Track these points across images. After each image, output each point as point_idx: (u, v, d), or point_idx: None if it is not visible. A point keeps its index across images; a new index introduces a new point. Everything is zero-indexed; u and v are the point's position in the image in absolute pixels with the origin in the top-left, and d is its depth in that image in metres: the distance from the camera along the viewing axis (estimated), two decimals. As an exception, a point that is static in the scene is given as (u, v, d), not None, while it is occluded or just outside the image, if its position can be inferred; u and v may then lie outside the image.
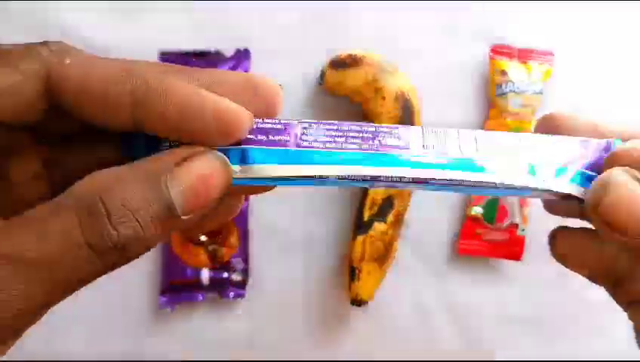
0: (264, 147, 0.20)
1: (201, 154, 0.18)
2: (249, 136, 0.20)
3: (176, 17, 0.47)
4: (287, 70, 0.48)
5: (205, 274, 0.47)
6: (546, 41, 0.48)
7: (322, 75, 0.46)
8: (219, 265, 0.47)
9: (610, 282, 0.22)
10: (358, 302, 0.46)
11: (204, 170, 0.17)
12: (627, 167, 0.19)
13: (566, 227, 0.23)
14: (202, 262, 0.47)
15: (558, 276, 0.49)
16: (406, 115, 0.45)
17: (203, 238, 0.47)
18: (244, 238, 0.47)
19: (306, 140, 0.20)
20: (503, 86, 0.47)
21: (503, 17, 0.49)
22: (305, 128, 0.21)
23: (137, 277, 0.48)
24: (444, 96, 0.48)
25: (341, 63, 0.45)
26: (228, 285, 0.47)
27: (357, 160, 0.21)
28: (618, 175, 0.19)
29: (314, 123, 0.21)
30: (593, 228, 0.20)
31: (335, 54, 0.46)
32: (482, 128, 0.49)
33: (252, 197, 0.48)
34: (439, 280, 0.49)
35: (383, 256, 0.45)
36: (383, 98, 0.44)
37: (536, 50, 0.48)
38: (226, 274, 0.47)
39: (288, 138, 0.20)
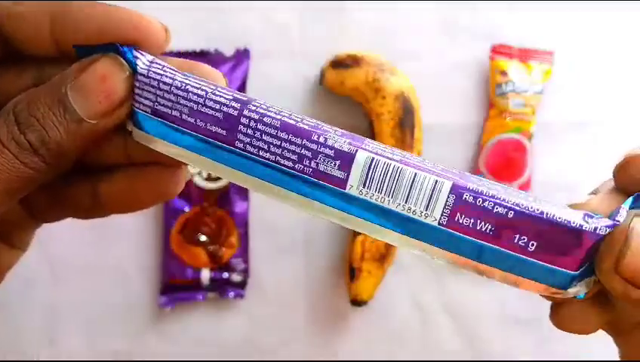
0: (176, 125, 0.19)
1: (97, 60, 0.19)
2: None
3: (176, 17, 0.47)
4: (287, 70, 0.48)
5: (205, 274, 0.47)
6: (546, 41, 0.48)
7: (322, 75, 0.46)
8: (219, 265, 0.47)
9: (613, 333, 0.21)
10: (358, 302, 0.46)
11: (98, 72, 0.19)
12: None
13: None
14: (202, 262, 0.47)
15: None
16: (406, 115, 0.45)
17: (203, 238, 0.47)
18: (244, 238, 0.47)
19: (242, 141, 0.18)
20: (503, 86, 0.47)
21: (503, 17, 0.49)
22: (245, 125, 0.18)
23: (137, 276, 0.48)
24: (444, 96, 0.48)
25: (341, 63, 0.45)
26: (228, 285, 0.47)
27: (279, 180, 0.18)
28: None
29: (259, 117, 0.18)
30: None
31: (335, 54, 0.46)
32: (482, 128, 0.49)
33: (252, 197, 0.48)
34: (439, 280, 0.49)
35: (383, 256, 0.45)
36: (383, 98, 0.44)
37: (536, 50, 0.48)
38: (226, 274, 0.47)
39: (224, 132, 0.19)
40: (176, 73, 0.19)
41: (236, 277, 0.47)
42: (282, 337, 0.49)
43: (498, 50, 0.48)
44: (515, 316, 0.49)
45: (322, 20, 0.48)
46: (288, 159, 0.18)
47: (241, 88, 0.47)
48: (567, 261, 0.17)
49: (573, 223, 0.17)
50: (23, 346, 0.47)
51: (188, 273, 0.47)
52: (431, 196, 0.17)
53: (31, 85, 0.20)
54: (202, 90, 0.19)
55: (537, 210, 0.17)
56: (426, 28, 0.49)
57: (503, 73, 0.47)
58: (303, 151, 0.18)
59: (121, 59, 0.19)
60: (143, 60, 0.19)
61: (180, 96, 0.19)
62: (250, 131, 0.18)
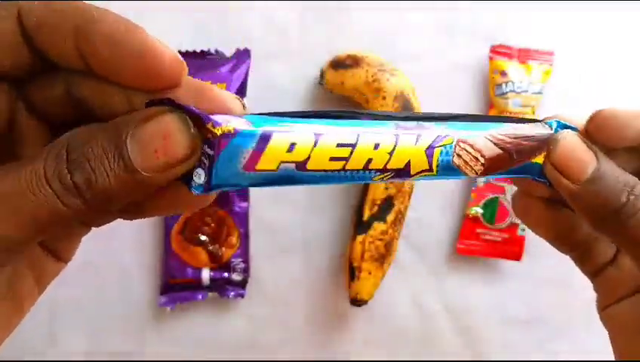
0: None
1: (164, 113, 0.18)
2: None
3: (176, 17, 0.47)
4: (287, 70, 0.48)
5: (205, 274, 0.47)
6: (546, 41, 0.48)
7: (322, 75, 0.46)
8: (219, 264, 0.47)
9: (575, 253, 0.26)
10: (358, 302, 0.46)
11: (162, 126, 0.18)
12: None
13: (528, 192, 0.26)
14: (202, 261, 0.47)
15: (558, 276, 0.49)
16: (406, 115, 0.45)
17: (203, 238, 0.47)
18: (244, 238, 0.47)
19: None
20: (503, 86, 0.47)
21: (503, 17, 0.49)
22: None
23: (137, 276, 0.48)
24: (444, 96, 0.48)
25: (341, 63, 0.45)
26: (228, 285, 0.47)
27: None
28: (566, 132, 0.23)
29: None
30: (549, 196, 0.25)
31: (335, 54, 0.46)
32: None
33: (252, 197, 0.48)
34: (439, 280, 0.49)
35: (383, 256, 0.45)
36: (383, 98, 0.45)
37: (536, 50, 0.48)
38: (226, 274, 0.47)
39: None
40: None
41: (236, 277, 0.47)
42: (282, 337, 0.49)
43: (497, 51, 0.48)
44: (515, 316, 0.49)
45: (322, 20, 0.48)
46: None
47: (242, 88, 0.47)
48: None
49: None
50: (24, 346, 0.47)
51: (188, 273, 0.47)
52: None
53: (62, 95, 0.20)
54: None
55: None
56: (426, 28, 0.49)
57: (503, 73, 0.47)
58: None
59: (188, 118, 0.18)
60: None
61: None
62: None
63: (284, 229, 0.48)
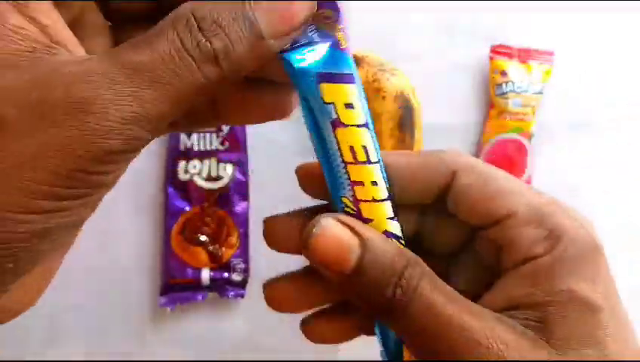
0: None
1: None
2: None
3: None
4: (287, 70, 0.48)
5: (205, 274, 0.47)
6: (546, 41, 0.48)
7: (322, 75, 0.46)
8: (219, 264, 0.47)
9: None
10: (358, 302, 0.46)
11: None
12: (336, 214, 0.21)
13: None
14: (202, 261, 0.47)
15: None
16: (406, 115, 0.45)
17: (203, 238, 0.47)
18: (244, 238, 0.47)
19: None
20: (503, 86, 0.47)
21: (503, 17, 0.49)
22: None
23: (137, 276, 0.48)
24: (444, 96, 0.48)
25: (341, 63, 0.45)
26: (228, 285, 0.47)
27: None
28: (324, 219, 0.20)
29: None
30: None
31: (335, 54, 0.46)
32: (482, 128, 0.49)
33: (252, 198, 0.48)
34: (439, 280, 0.49)
35: (383, 256, 0.45)
36: (383, 98, 0.45)
37: (536, 50, 0.48)
38: (226, 274, 0.47)
39: None
40: None
41: (236, 277, 0.47)
42: (282, 337, 0.49)
43: (498, 51, 0.48)
44: (515, 316, 0.49)
45: (322, 20, 0.48)
46: None
47: (242, 88, 0.47)
48: None
49: None
50: (24, 346, 0.47)
51: (188, 273, 0.47)
52: None
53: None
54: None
55: None
56: (426, 28, 0.49)
57: (503, 73, 0.47)
58: None
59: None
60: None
61: None
62: None
63: (284, 229, 0.48)
